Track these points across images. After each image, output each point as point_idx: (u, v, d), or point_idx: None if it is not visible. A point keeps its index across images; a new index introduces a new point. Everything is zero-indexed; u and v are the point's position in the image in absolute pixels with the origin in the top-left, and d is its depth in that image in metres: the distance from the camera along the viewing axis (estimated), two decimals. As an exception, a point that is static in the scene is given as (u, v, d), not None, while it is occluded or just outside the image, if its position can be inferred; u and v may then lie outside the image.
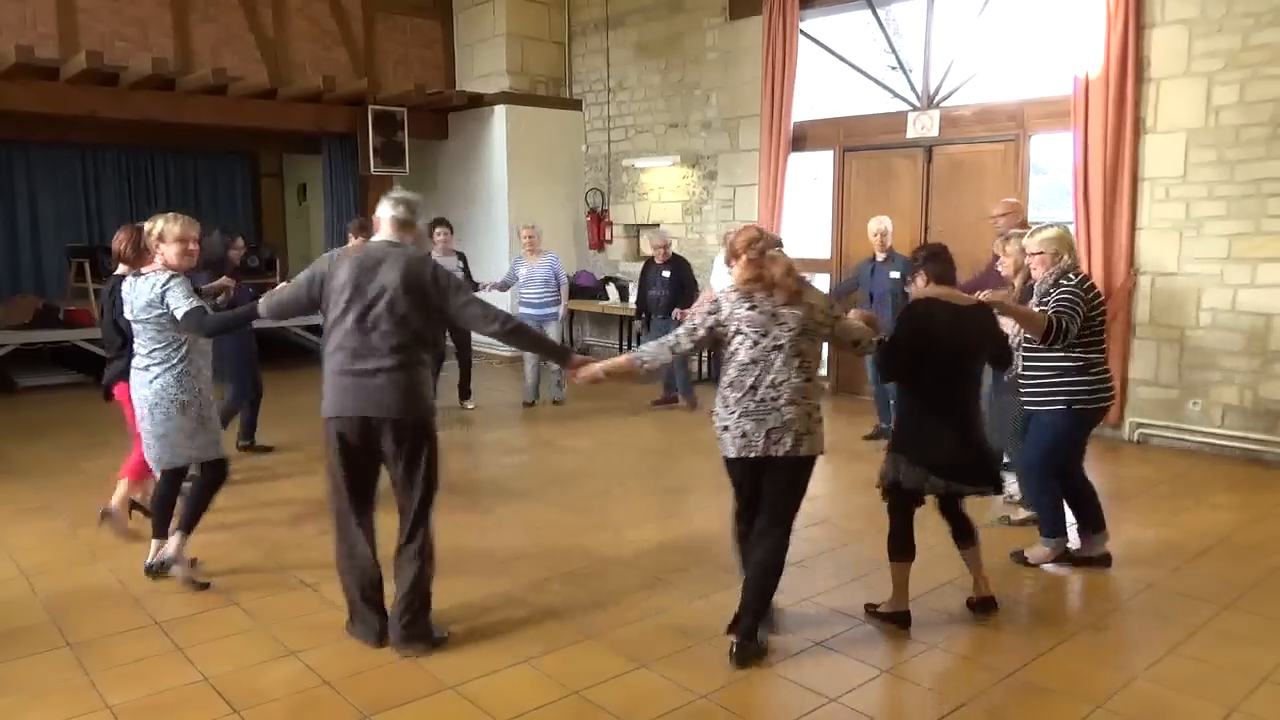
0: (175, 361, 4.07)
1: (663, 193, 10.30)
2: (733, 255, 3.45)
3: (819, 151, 8.88)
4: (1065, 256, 4.15)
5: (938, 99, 7.99)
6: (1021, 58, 7.75)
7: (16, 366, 9.31)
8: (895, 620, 3.76)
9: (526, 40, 10.85)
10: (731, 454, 3.39)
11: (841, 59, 8.75)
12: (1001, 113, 7.57)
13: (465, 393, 8.12)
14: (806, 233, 9.17)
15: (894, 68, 8.58)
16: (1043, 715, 3.11)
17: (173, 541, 4.17)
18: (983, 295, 3.94)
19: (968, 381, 3.78)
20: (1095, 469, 4.88)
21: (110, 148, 12.41)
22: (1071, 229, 5.20)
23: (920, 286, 3.79)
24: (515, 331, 3.67)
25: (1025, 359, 4.25)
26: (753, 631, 3.45)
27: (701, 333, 3.42)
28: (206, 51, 9.57)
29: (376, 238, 3.60)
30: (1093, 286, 4.16)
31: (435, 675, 3.35)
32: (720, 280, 7.14)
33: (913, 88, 8.20)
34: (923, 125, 8.00)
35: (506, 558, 4.53)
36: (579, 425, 7.45)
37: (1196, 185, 6.47)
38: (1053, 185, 8.28)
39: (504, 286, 8.32)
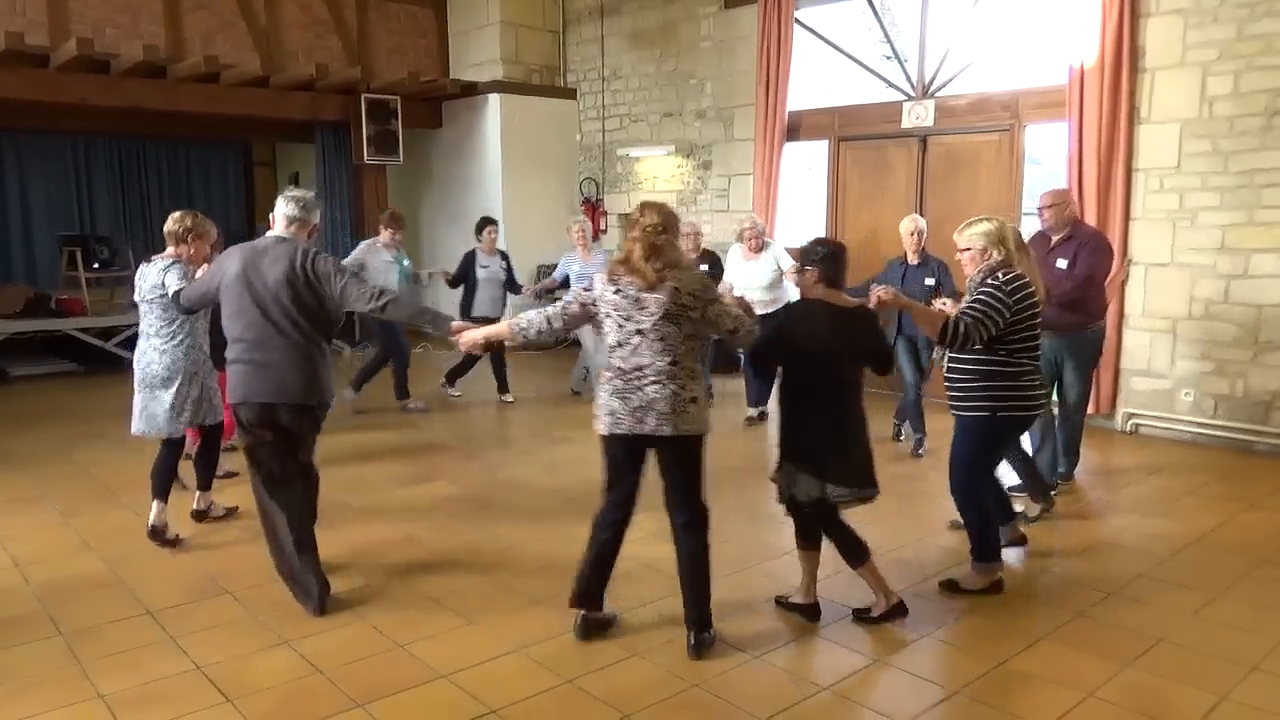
0: (181, 337, 4.53)
1: (657, 182, 10.27)
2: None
3: (814, 141, 8.86)
4: (994, 253, 3.78)
5: (933, 89, 7.98)
6: (1016, 47, 7.74)
7: (8, 356, 9.27)
8: (803, 613, 3.72)
9: (521, 28, 10.80)
10: (602, 430, 3.44)
11: (836, 48, 8.73)
12: (996, 103, 7.56)
13: (502, 386, 7.92)
14: (801, 222, 9.16)
15: (889, 57, 8.57)
16: (1033, 704, 3.12)
17: (204, 498, 4.87)
18: (878, 291, 3.72)
19: (845, 387, 3.60)
20: (1088, 459, 4.90)
21: (102, 136, 12.33)
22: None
23: (809, 283, 3.64)
24: (392, 304, 3.83)
25: (950, 360, 3.96)
26: (705, 623, 3.47)
27: (575, 308, 3.51)
28: (198, 39, 9.50)
29: (269, 233, 3.89)
30: (1023, 288, 3.75)
31: (428, 664, 3.36)
32: (736, 272, 7.10)
33: (908, 77, 8.18)
34: (917, 115, 7.99)
35: (501, 547, 4.54)
36: (581, 414, 7.45)
37: (1190, 176, 6.48)
38: (1047, 175, 8.26)
39: (549, 290, 7.88)
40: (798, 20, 8.64)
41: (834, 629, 3.67)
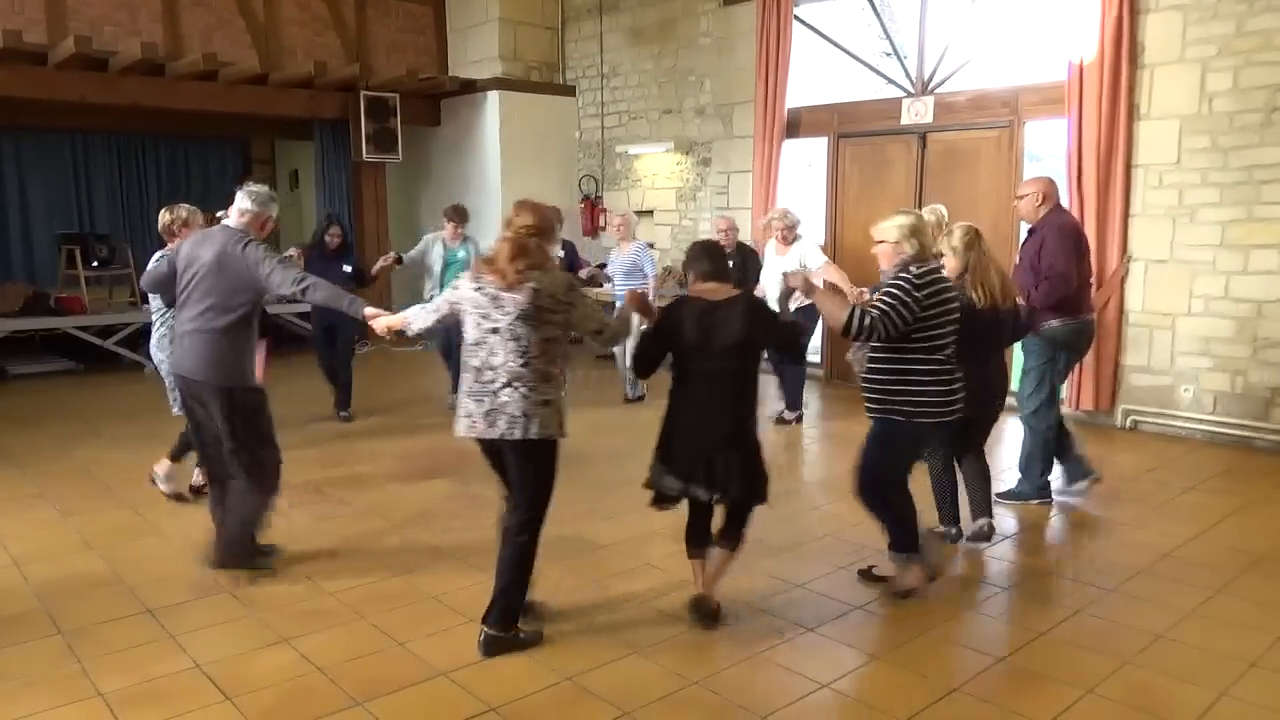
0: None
1: (656, 179, 10.26)
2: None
3: (813, 138, 8.85)
4: (908, 247, 3.63)
5: (932, 85, 7.97)
6: (1016, 43, 7.74)
7: (7, 354, 9.27)
8: (692, 608, 3.67)
9: (519, 25, 10.78)
10: (460, 433, 3.41)
11: (836, 45, 8.72)
12: (996, 99, 7.55)
13: None
14: (801, 219, 9.14)
15: (888, 54, 8.56)
16: (1034, 700, 3.12)
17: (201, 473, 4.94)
18: (789, 277, 3.67)
19: (725, 381, 3.46)
20: (1089, 456, 4.90)
21: (100, 134, 12.33)
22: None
23: (693, 286, 3.59)
24: (311, 288, 3.95)
25: (869, 358, 3.80)
26: (503, 621, 3.41)
27: (445, 308, 3.54)
28: (196, 36, 9.49)
29: (223, 221, 4.19)
30: (935, 283, 3.60)
31: (428, 662, 3.36)
32: (769, 266, 7.03)
33: (907, 74, 8.17)
34: (917, 112, 7.98)
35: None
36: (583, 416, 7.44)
37: (1190, 172, 6.47)
38: (1047, 172, 8.25)
39: (593, 277, 8.06)
40: (797, 17, 8.62)
41: (832, 626, 3.66)
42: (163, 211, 5.14)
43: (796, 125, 8.82)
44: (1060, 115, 6.96)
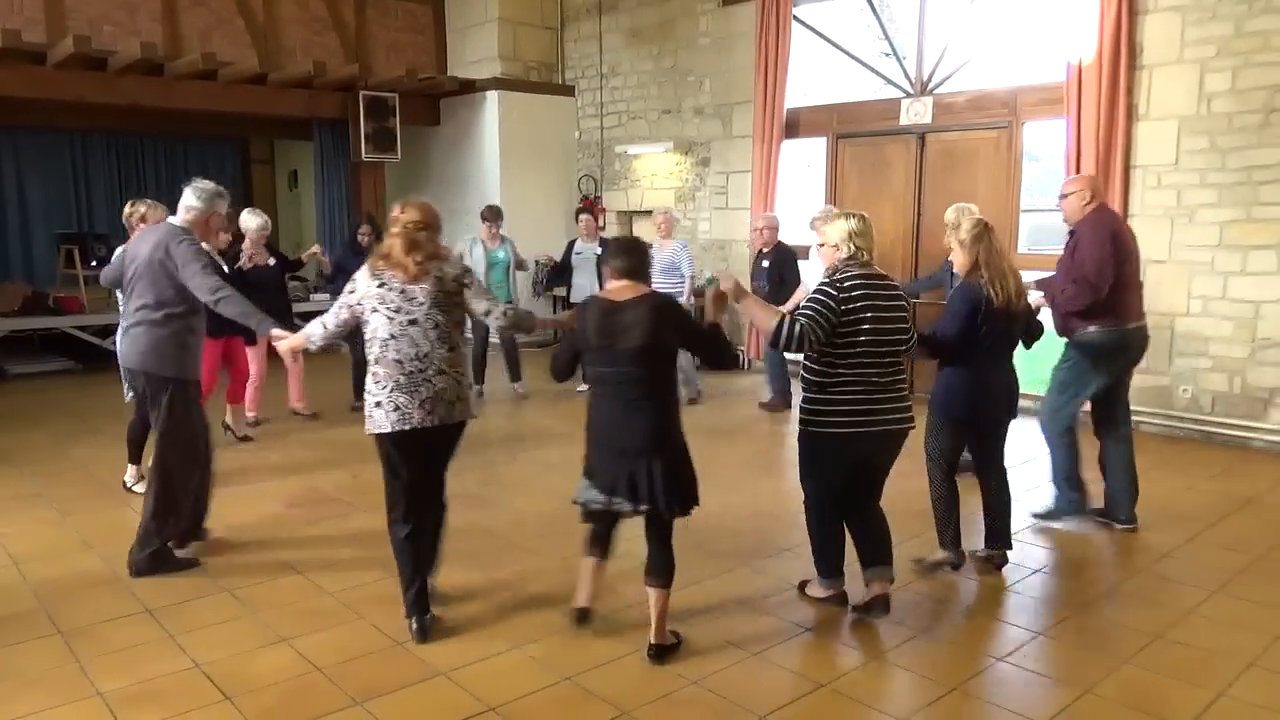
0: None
1: (656, 179, 10.27)
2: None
3: (812, 138, 8.86)
4: (843, 250, 3.49)
5: (931, 86, 7.97)
6: (1015, 44, 7.75)
7: (6, 354, 9.27)
8: (574, 618, 3.58)
9: (519, 25, 10.78)
10: (386, 428, 3.41)
11: (835, 45, 8.72)
12: (995, 99, 7.56)
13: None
14: (800, 220, 9.14)
15: (887, 54, 8.56)
16: (1032, 700, 3.13)
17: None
18: (721, 280, 3.51)
19: (632, 386, 3.26)
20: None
21: (99, 133, 12.32)
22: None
23: (611, 285, 3.43)
24: (224, 301, 4.01)
25: (803, 365, 3.61)
26: (422, 603, 3.54)
27: (345, 314, 3.56)
28: (195, 36, 9.48)
29: (169, 218, 4.32)
30: (858, 289, 3.40)
31: (428, 662, 3.36)
32: (811, 267, 6.97)
33: (906, 74, 8.18)
34: (916, 112, 7.99)
35: (500, 546, 4.54)
36: (577, 409, 7.45)
37: (1188, 173, 6.48)
38: (1046, 172, 8.27)
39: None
40: (796, 17, 8.63)
41: (832, 626, 3.66)
42: (126, 205, 5.32)
43: (796, 125, 8.83)
44: (1059, 116, 6.97)
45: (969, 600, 3.92)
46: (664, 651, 3.37)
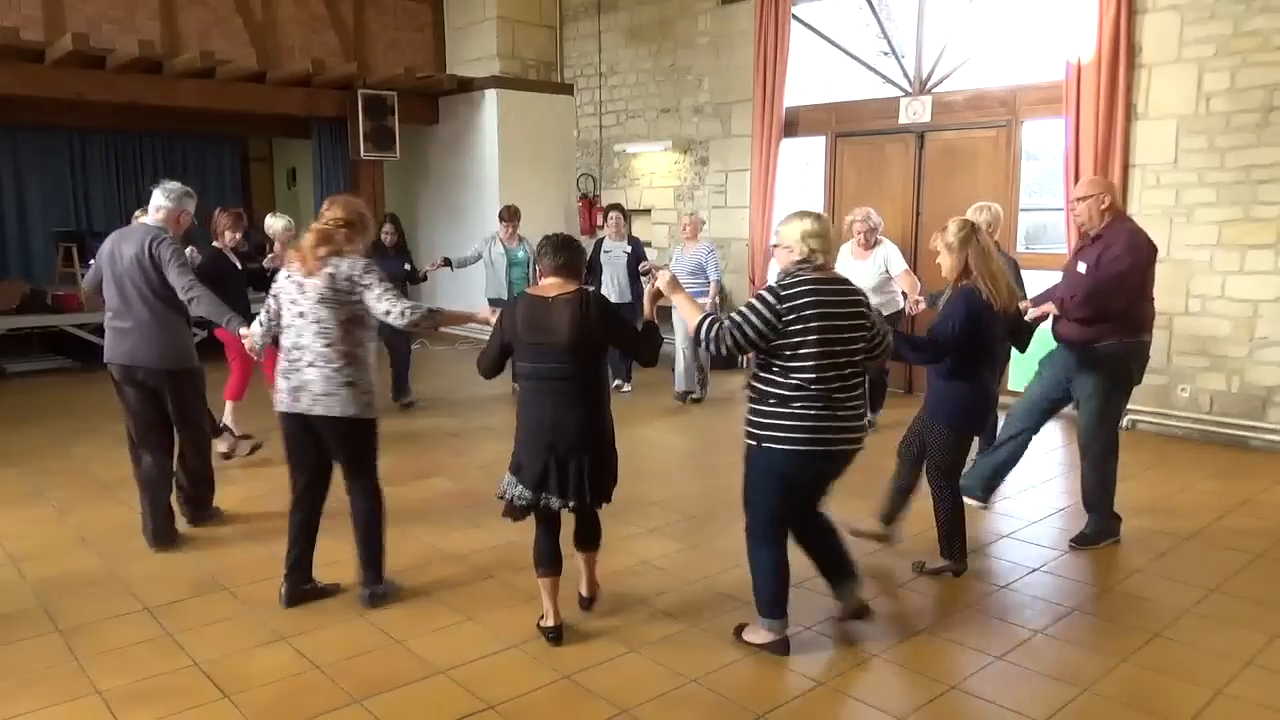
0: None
1: (654, 178, 10.27)
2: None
3: (811, 137, 8.86)
4: (796, 252, 3.28)
5: (930, 85, 7.98)
6: (1014, 43, 7.74)
7: (4, 352, 9.26)
8: (548, 637, 3.50)
9: (517, 24, 10.78)
10: (276, 408, 3.67)
11: (834, 44, 8.72)
12: (993, 98, 7.56)
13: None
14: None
15: (886, 53, 8.56)
16: (1031, 698, 3.13)
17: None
18: (655, 276, 3.46)
19: (562, 383, 3.30)
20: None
21: (98, 131, 12.29)
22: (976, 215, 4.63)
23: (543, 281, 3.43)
24: (196, 300, 4.27)
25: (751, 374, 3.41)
26: (378, 578, 3.79)
27: (273, 304, 3.72)
28: (194, 34, 9.47)
29: (141, 219, 4.54)
30: (804, 294, 3.17)
31: (427, 659, 3.36)
32: (845, 271, 6.73)
33: (905, 73, 8.18)
34: (915, 111, 7.99)
35: (499, 543, 4.54)
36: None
37: (1187, 172, 6.48)
38: (1044, 171, 8.27)
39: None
40: (795, 16, 8.63)
41: (830, 624, 3.67)
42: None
43: (794, 124, 8.83)
44: (1058, 115, 6.97)
45: (968, 598, 3.92)
46: (558, 634, 3.51)
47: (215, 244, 6.10)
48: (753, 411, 3.31)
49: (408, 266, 7.54)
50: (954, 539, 4.12)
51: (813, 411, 3.19)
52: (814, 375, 3.18)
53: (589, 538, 3.64)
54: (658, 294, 3.48)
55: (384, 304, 3.55)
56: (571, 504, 3.38)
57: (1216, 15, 6.26)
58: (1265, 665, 3.35)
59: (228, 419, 6.08)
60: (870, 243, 6.52)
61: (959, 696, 3.15)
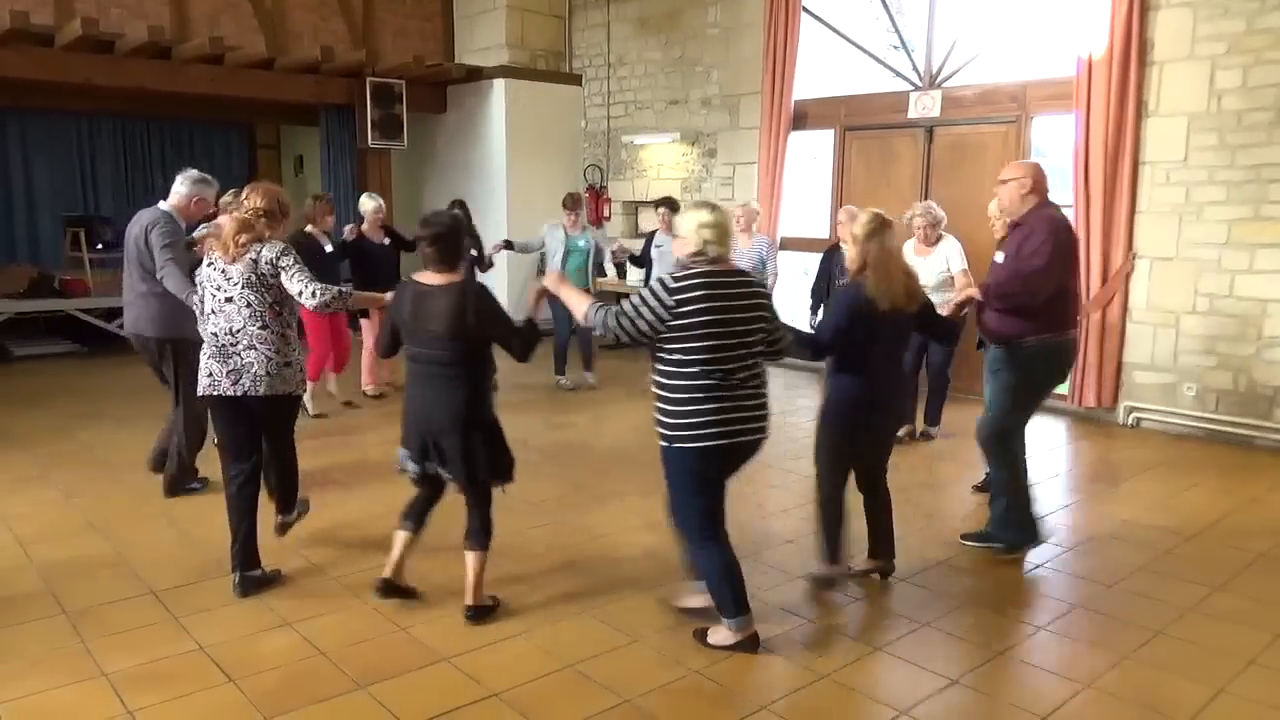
0: None
1: (662, 170, 10.25)
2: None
3: (820, 130, 8.83)
4: (690, 244, 3.21)
5: (940, 79, 7.95)
6: (1024, 38, 7.70)
7: (11, 336, 9.29)
8: (377, 588, 3.69)
9: (526, 13, 10.75)
10: (201, 391, 3.76)
11: (844, 37, 8.69)
12: (1003, 94, 7.53)
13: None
14: (806, 212, 9.13)
15: (896, 47, 8.52)
16: (1032, 694, 3.14)
17: None
18: (546, 276, 3.50)
19: (439, 368, 3.42)
20: (1091, 453, 4.90)
21: (106, 116, 12.30)
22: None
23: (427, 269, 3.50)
24: (166, 276, 4.56)
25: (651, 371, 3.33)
26: (251, 561, 3.85)
27: (197, 289, 3.82)
28: (203, 20, 9.47)
29: (159, 204, 4.81)
30: (695, 289, 3.13)
31: (431, 646, 3.37)
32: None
33: (915, 67, 8.15)
34: (924, 105, 7.96)
35: (501, 533, 4.54)
36: (581, 400, 7.46)
37: (1197, 170, 6.45)
38: (1053, 168, 8.23)
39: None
40: (805, 8, 8.59)
41: (832, 618, 3.68)
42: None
43: (803, 117, 8.80)
44: (1068, 111, 6.95)
45: (970, 594, 3.93)
46: (481, 613, 3.57)
47: (308, 228, 6.70)
48: (659, 411, 3.28)
49: (474, 252, 7.33)
50: (831, 540, 3.90)
51: (713, 405, 3.18)
52: (709, 368, 3.16)
53: (474, 531, 3.56)
54: (544, 291, 3.62)
55: (297, 284, 3.68)
56: (450, 477, 3.53)
57: (1230, 12, 6.22)
58: (1267, 664, 3.35)
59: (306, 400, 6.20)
60: (932, 239, 6.07)
61: (962, 690, 3.16)
